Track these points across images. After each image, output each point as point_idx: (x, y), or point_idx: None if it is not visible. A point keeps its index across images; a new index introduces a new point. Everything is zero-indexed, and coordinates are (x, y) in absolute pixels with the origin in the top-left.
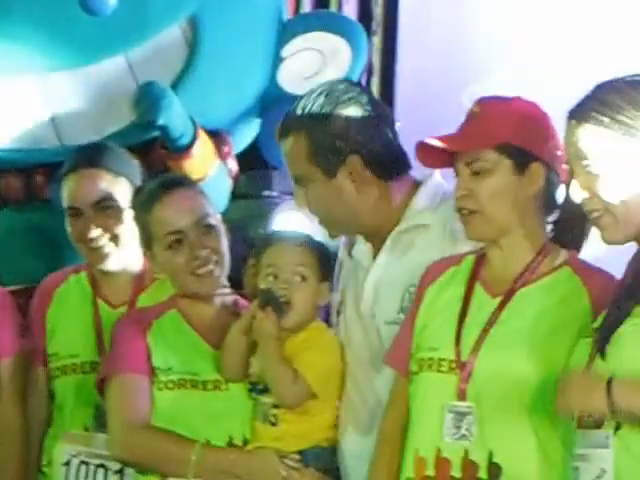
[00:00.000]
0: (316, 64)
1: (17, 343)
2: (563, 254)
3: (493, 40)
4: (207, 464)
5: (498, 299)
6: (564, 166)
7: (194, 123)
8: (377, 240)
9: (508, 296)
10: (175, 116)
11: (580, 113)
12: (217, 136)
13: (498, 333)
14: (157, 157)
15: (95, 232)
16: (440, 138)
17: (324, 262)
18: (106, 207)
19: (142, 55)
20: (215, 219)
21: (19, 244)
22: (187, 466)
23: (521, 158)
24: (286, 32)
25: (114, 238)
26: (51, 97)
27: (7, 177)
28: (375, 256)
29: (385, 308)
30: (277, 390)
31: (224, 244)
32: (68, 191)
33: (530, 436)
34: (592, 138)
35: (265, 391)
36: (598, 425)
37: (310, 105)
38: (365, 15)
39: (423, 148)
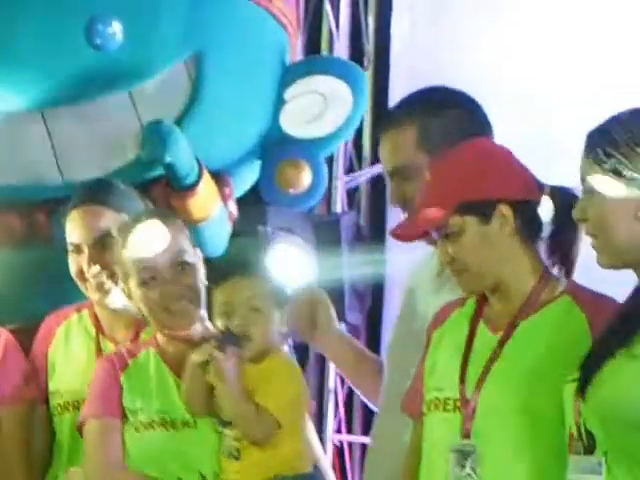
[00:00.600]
0: (318, 107)
1: (20, 391)
2: (562, 282)
3: (485, 72)
4: None
5: (499, 334)
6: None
7: (199, 162)
8: None
9: (509, 331)
10: (182, 154)
11: (586, 146)
12: (219, 177)
13: (500, 369)
14: (160, 195)
15: (94, 270)
16: (400, 226)
17: (277, 289)
18: (106, 245)
19: (146, 91)
20: (191, 256)
21: (20, 283)
22: None
23: (483, 209)
24: (289, 75)
25: (113, 275)
26: (53, 132)
27: (8, 216)
28: None
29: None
30: (243, 429)
31: (199, 281)
32: (70, 227)
33: (534, 469)
34: (590, 171)
35: (228, 424)
36: (590, 450)
37: (418, 96)
38: (356, 51)
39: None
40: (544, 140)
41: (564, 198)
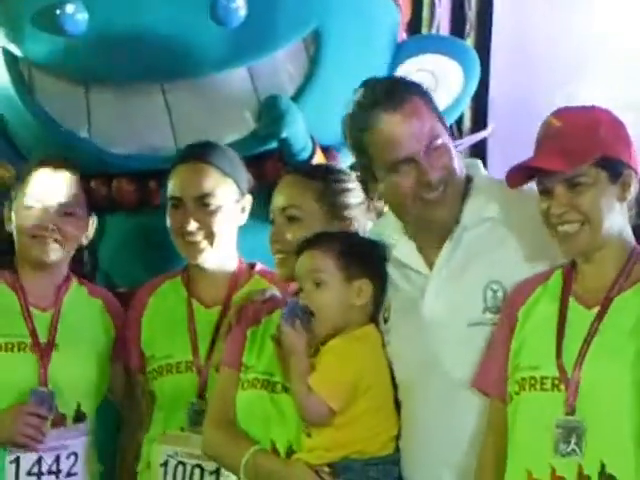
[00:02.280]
0: (428, 86)
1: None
2: None
3: (588, 40)
4: (252, 469)
5: (595, 310)
6: None
7: (313, 139)
8: (429, 237)
9: (605, 306)
10: (298, 130)
11: None
12: (327, 152)
13: (600, 344)
14: (271, 169)
15: (192, 226)
16: (537, 157)
17: (346, 260)
18: (208, 204)
19: (265, 67)
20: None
21: (130, 248)
22: (238, 468)
23: (615, 169)
24: (400, 53)
25: (210, 236)
26: (171, 104)
27: (121, 182)
28: (427, 256)
29: (467, 309)
30: (296, 406)
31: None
32: (174, 181)
33: (637, 444)
34: None
35: None
36: None
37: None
38: (458, 18)
39: (515, 168)
40: None
41: None
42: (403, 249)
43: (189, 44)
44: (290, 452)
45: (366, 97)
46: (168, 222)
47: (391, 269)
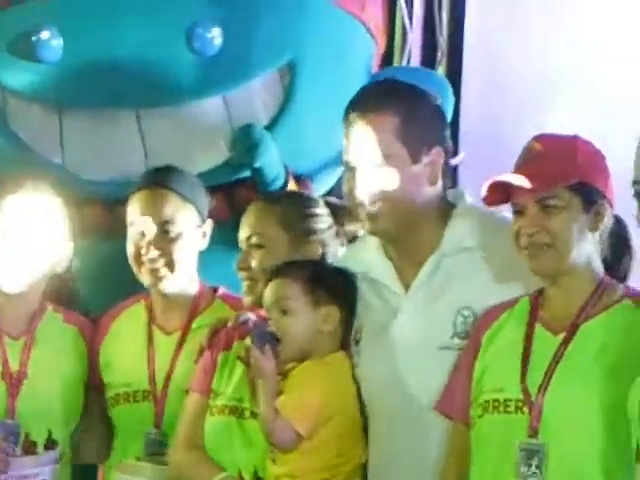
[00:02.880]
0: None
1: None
2: (621, 287)
3: (559, 69)
4: None
5: (561, 336)
6: None
7: (286, 168)
8: (408, 259)
9: (571, 332)
10: (271, 160)
11: None
12: (299, 181)
13: (565, 369)
14: (244, 197)
15: (153, 253)
16: (515, 178)
17: (313, 287)
18: (168, 231)
19: (239, 96)
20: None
21: (103, 274)
22: None
23: (589, 196)
24: None
25: (170, 263)
26: (145, 132)
27: (93, 208)
28: (404, 278)
29: (437, 333)
30: (263, 430)
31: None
32: (133, 207)
33: (598, 469)
34: None
35: None
36: None
37: (401, 83)
38: (430, 45)
39: (492, 184)
40: (621, 142)
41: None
42: (380, 269)
43: (164, 72)
44: (256, 478)
45: (355, 94)
46: (127, 247)
47: (366, 289)
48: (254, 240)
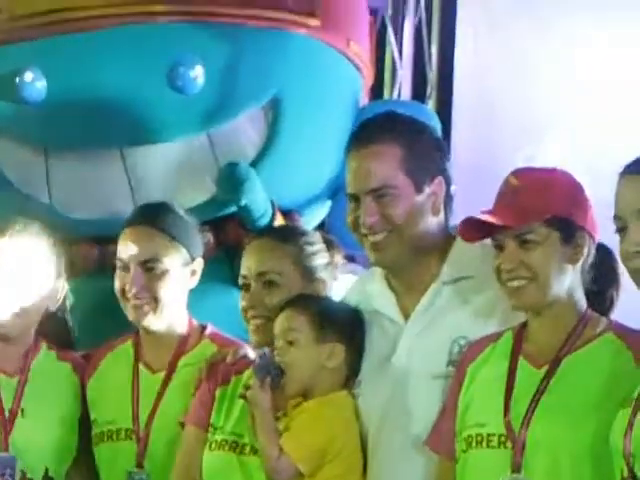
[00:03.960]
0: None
1: None
2: (604, 320)
3: (547, 103)
4: None
5: (544, 369)
6: None
7: (273, 204)
8: (409, 290)
9: (554, 365)
10: (257, 197)
11: None
12: (288, 216)
13: (548, 403)
14: (232, 232)
15: (134, 290)
16: (490, 213)
17: (320, 321)
18: (152, 268)
19: (224, 133)
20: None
21: (94, 311)
22: None
23: (568, 230)
24: (361, 118)
25: (154, 300)
26: (131, 170)
27: (82, 247)
28: (405, 308)
29: (432, 362)
30: (263, 464)
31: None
32: (121, 244)
33: None
34: None
35: None
36: None
37: (402, 115)
38: (420, 79)
39: (466, 221)
40: (613, 160)
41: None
42: (381, 299)
43: (147, 111)
44: None
45: (357, 126)
46: (115, 283)
47: (369, 323)
48: (269, 277)
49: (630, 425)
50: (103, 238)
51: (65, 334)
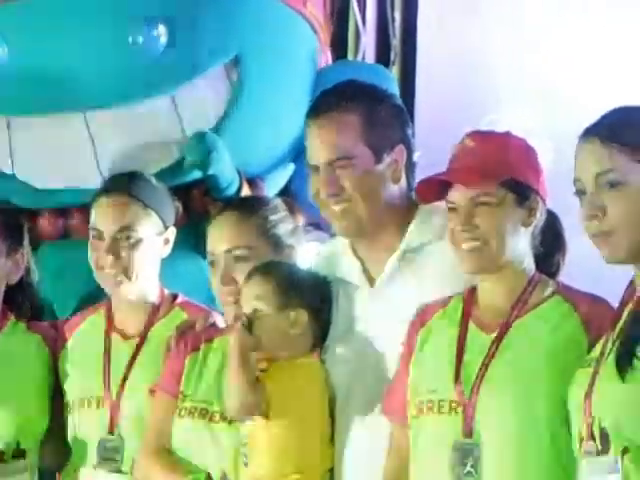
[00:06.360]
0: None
1: None
2: (552, 283)
3: (510, 69)
4: None
5: (493, 335)
6: None
7: (240, 174)
8: (374, 256)
9: (503, 331)
10: (224, 168)
11: (606, 131)
12: (253, 183)
13: (497, 367)
14: (197, 198)
15: (109, 259)
16: (446, 174)
17: (284, 289)
18: (127, 237)
19: (187, 95)
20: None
21: (56, 281)
22: None
23: (522, 192)
24: (321, 79)
25: (127, 269)
26: (94, 135)
27: (45, 217)
28: (371, 275)
29: (397, 328)
30: (230, 398)
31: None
32: (95, 213)
33: (535, 468)
34: (615, 154)
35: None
36: (604, 451)
37: (362, 84)
38: (383, 45)
39: (421, 182)
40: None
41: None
42: (347, 266)
43: (110, 73)
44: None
45: (317, 96)
46: (89, 253)
47: (336, 291)
48: (238, 253)
49: (591, 386)
50: (68, 207)
51: (37, 304)
